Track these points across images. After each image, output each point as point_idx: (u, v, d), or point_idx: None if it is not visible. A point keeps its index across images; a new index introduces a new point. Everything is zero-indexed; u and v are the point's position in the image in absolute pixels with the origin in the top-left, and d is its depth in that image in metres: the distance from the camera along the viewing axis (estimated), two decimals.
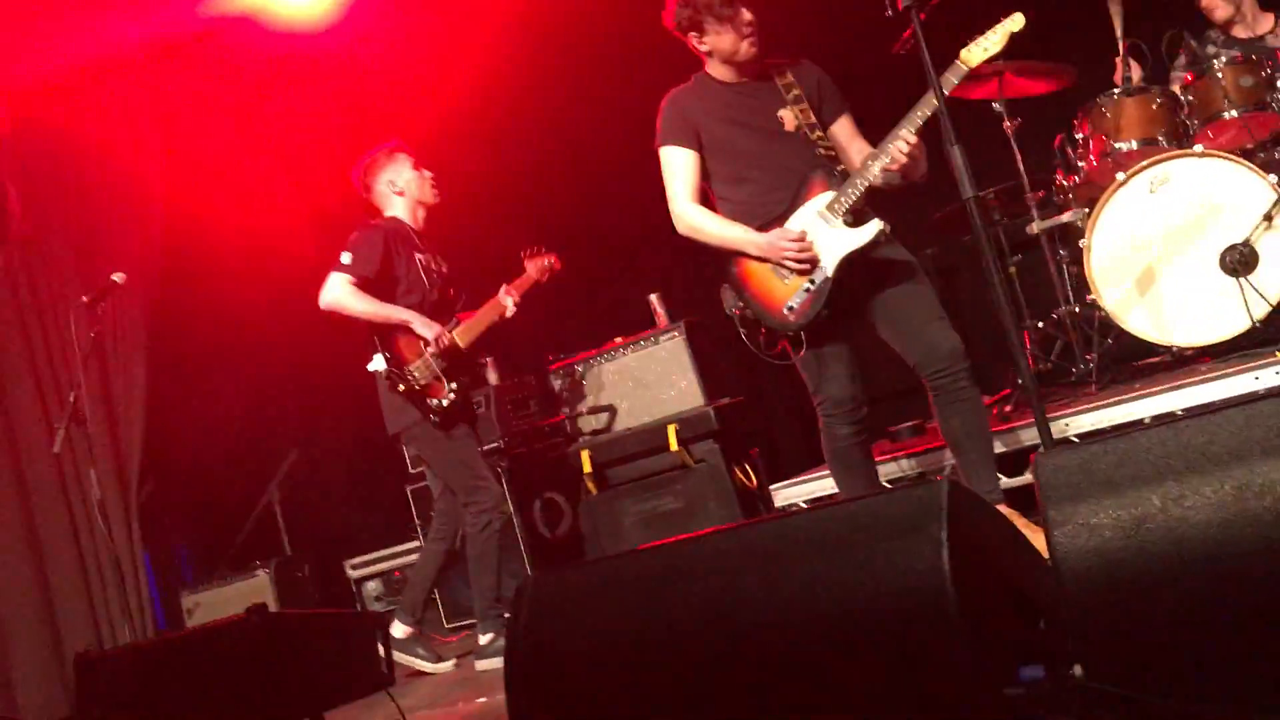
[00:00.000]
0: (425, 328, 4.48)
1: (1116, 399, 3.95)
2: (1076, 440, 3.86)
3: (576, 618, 2.21)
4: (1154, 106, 4.38)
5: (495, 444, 4.87)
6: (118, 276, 4.87)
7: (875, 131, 3.60)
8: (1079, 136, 4.57)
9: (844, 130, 3.70)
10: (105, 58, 6.12)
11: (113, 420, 6.06)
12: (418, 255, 4.63)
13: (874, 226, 3.44)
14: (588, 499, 5.39)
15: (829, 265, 3.47)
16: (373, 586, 6.75)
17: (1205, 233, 4.06)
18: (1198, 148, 4.22)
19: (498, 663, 4.24)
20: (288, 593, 6.22)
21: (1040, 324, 4.93)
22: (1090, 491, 1.85)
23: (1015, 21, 3.38)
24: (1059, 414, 3.97)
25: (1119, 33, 4.55)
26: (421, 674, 4.70)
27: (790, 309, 3.51)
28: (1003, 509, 3.32)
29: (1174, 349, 4.18)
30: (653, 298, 5.66)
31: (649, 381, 5.38)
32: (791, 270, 3.50)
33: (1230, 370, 3.75)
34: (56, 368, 6.05)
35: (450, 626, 5.72)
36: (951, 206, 4.94)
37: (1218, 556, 1.73)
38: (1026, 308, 5.00)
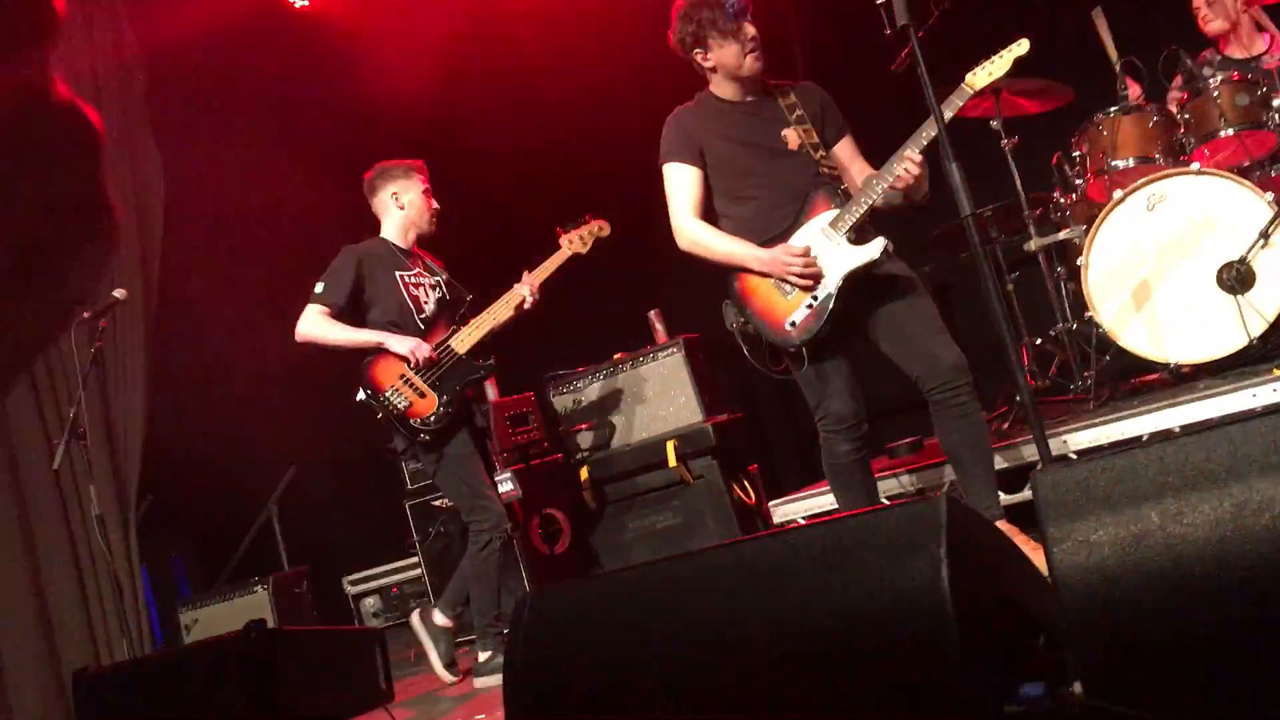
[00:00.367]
0: (399, 344, 4.41)
1: (1114, 416, 3.95)
2: (1075, 457, 3.87)
3: (575, 635, 2.21)
4: (1151, 125, 4.40)
5: (494, 461, 4.85)
6: (119, 292, 4.88)
7: (877, 150, 3.63)
8: (1076, 154, 4.59)
9: (846, 151, 3.73)
10: (106, 66, 6.15)
11: (112, 436, 6.05)
12: (400, 274, 4.56)
13: (878, 244, 3.46)
14: (586, 515, 5.39)
15: (832, 282, 3.49)
16: (371, 602, 6.76)
17: (1202, 250, 4.08)
18: (1195, 166, 4.23)
19: (496, 680, 4.24)
20: (286, 608, 6.22)
21: (1038, 341, 4.94)
22: (1089, 508, 1.85)
23: (1020, 47, 3.41)
24: (1057, 430, 3.98)
25: (1112, 55, 4.57)
26: (418, 682, 4.70)
27: (792, 325, 3.52)
28: (1002, 525, 3.33)
29: (1171, 366, 4.19)
30: (652, 314, 5.67)
31: (648, 397, 5.39)
32: (795, 286, 3.51)
33: (1228, 387, 3.76)
34: (56, 383, 6.04)
35: (457, 641, 5.69)
36: (950, 224, 4.97)
37: (1216, 573, 1.73)
38: (1024, 324, 5.01)
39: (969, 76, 3.44)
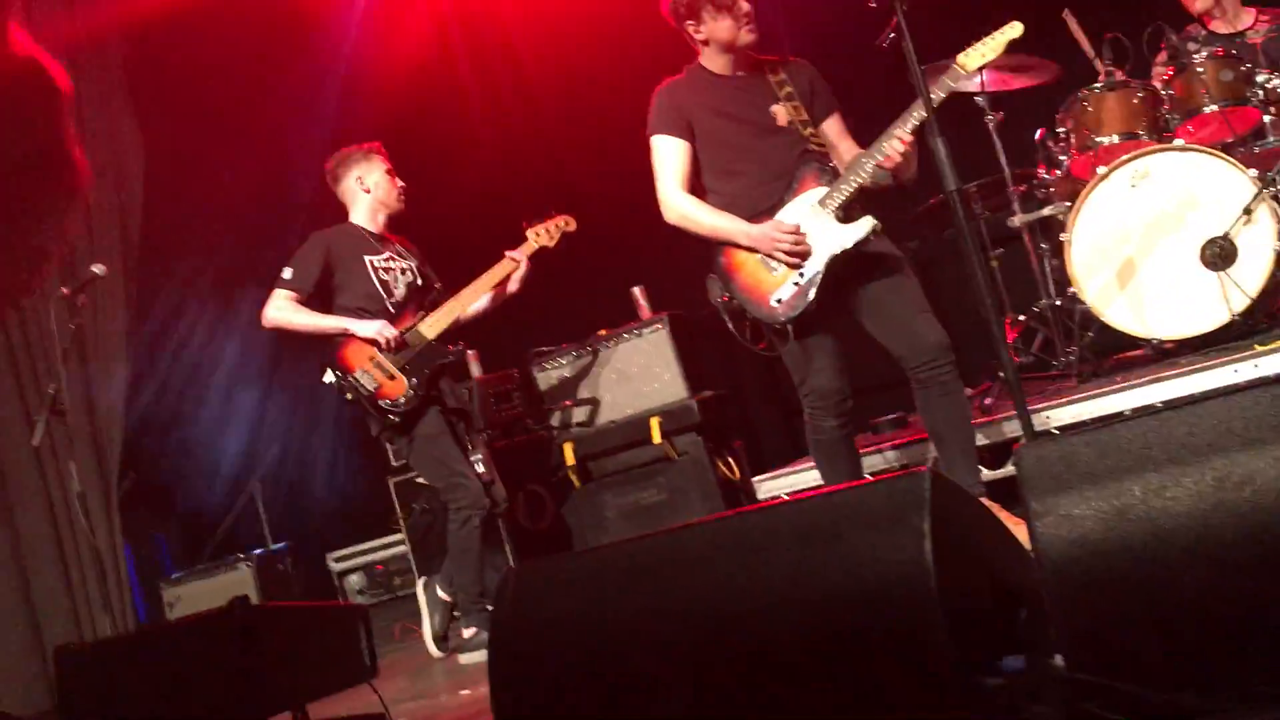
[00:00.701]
0: (365, 328, 4.42)
1: (1098, 391, 3.97)
2: (1058, 432, 3.88)
3: (559, 610, 2.21)
4: (1135, 101, 4.40)
5: (478, 435, 4.85)
6: (98, 268, 4.84)
7: (864, 127, 3.62)
8: (1061, 131, 4.59)
9: (834, 129, 3.71)
10: (86, 39, 6.09)
11: (93, 413, 6.02)
12: (370, 258, 4.56)
13: (866, 223, 3.46)
14: (571, 492, 5.39)
15: (819, 259, 3.48)
16: (355, 579, 6.75)
17: (1185, 226, 4.08)
18: (1178, 142, 4.24)
19: (481, 656, 4.22)
20: (270, 585, 6.21)
21: (1022, 317, 4.95)
22: (1072, 483, 1.86)
23: (1014, 29, 3.39)
24: (1040, 406, 4.00)
25: (1089, 53, 4.56)
26: (403, 659, 4.70)
27: (779, 301, 3.52)
28: (984, 501, 3.34)
29: (1154, 342, 4.20)
30: (636, 290, 5.65)
31: (632, 374, 5.39)
32: (782, 263, 3.50)
33: (1210, 363, 3.78)
34: (36, 360, 6.00)
35: None
36: (934, 199, 4.96)
37: (1198, 547, 1.74)
38: (1008, 300, 5.02)
39: (961, 58, 3.42)
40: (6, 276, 5.89)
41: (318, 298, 4.51)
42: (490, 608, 4.35)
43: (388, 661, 4.68)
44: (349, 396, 4.42)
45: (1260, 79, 4.24)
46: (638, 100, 3.76)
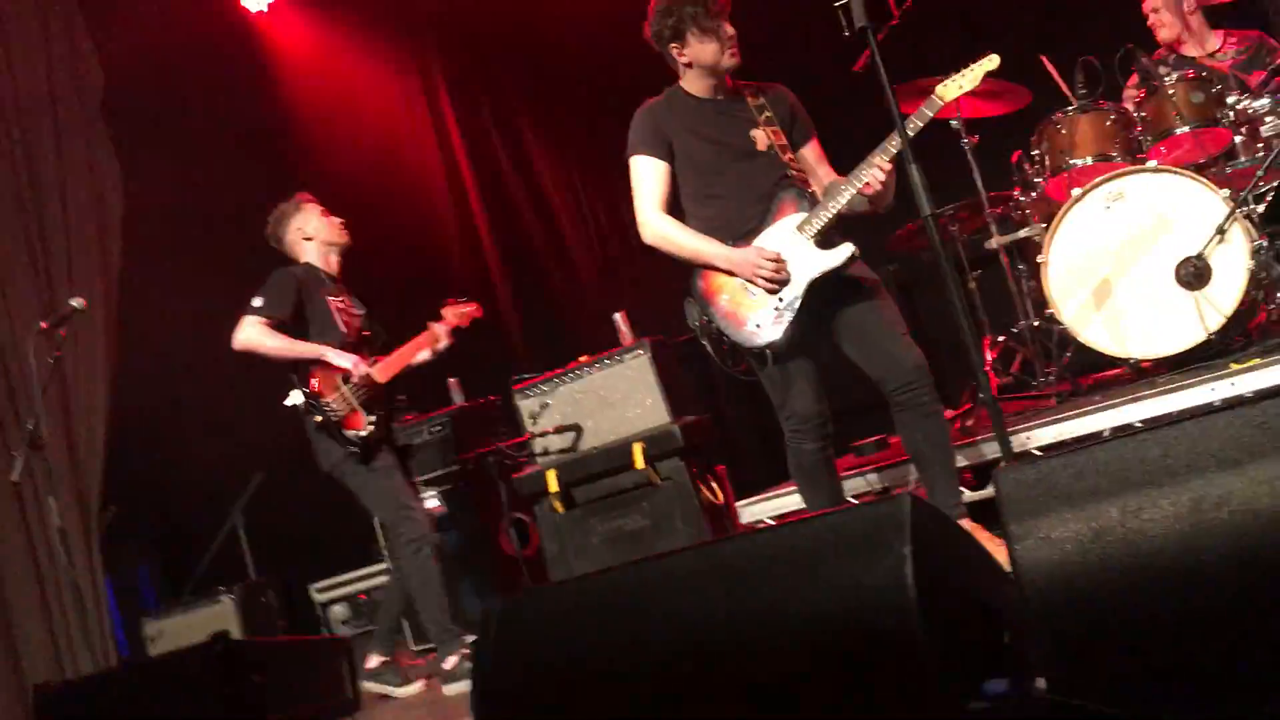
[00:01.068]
0: (341, 359, 4.52)
1: (1076, 412, 3.99)
2: (1038, 453, 3.90)
3: (544, 640, 2.20)
4: (1107, 123, 4.44)
5: (456, 467, 4.87)
6: (77, 301, 4.83)
7: (841, 152, 3.64)
8: (1035, 153, 4.63)
9: (812, 154, 3.74)
10: (61, 70, 6.09)
11: (73, 446, 5.98)
12: (330, 299, 4.69)
13: (845, 250, 3.48)
14: (554, 518, 5.37)
15: (798, 285, 3.50)
16: (339, 610, 6.70)
17: (1160, 247, 4.12)
18: (1151, 163, 4.28)
19: (464, 686, 4.22)
20: (253, 618, 6.16)
21: (1000, 338, 4.98)
22: (1050, 505, 1.87)
23: (991, 62, 3.44)
24: (1019, 427, 4.01)
25: (1066, 92, 4.60)
26: (387, 697, 4.67)
27: (757, 325, 3.53)
28: (965, 523, 3.35)
29: (1132, 361, 4.23)
30: (617, 316, 5.66)
31: (614, 400, 5.38)
32: (761, 288, 3.52)
33: (1186, 383, 3.81)
34: (16, 394, 5.97)
35: (418, 649, 5.67)
36: (912, 223, 4.99)
37: (1175, 568, 1.75)
38: (987, 322, 5.05)
39: (939, 88, 3.45)
40: None
41: (284, 328, 4.56)
42: (463, 634, 4.39)
43: (371, 694, 4.64)
44: (317, 419, 4.47)
45: (1230, 100, 4.29)
46: (617, 122, 3.77)
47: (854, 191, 3.44)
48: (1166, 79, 4.32)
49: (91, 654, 5.27)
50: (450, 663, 4.45)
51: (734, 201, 3.62)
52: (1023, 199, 4.75)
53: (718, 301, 3.60)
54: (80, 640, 5.60)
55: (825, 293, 3.52)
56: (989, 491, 3.88)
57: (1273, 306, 4.19)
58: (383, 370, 4.62)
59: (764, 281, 3.49)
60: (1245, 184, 4.08)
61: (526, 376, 5.62)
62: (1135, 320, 4.18)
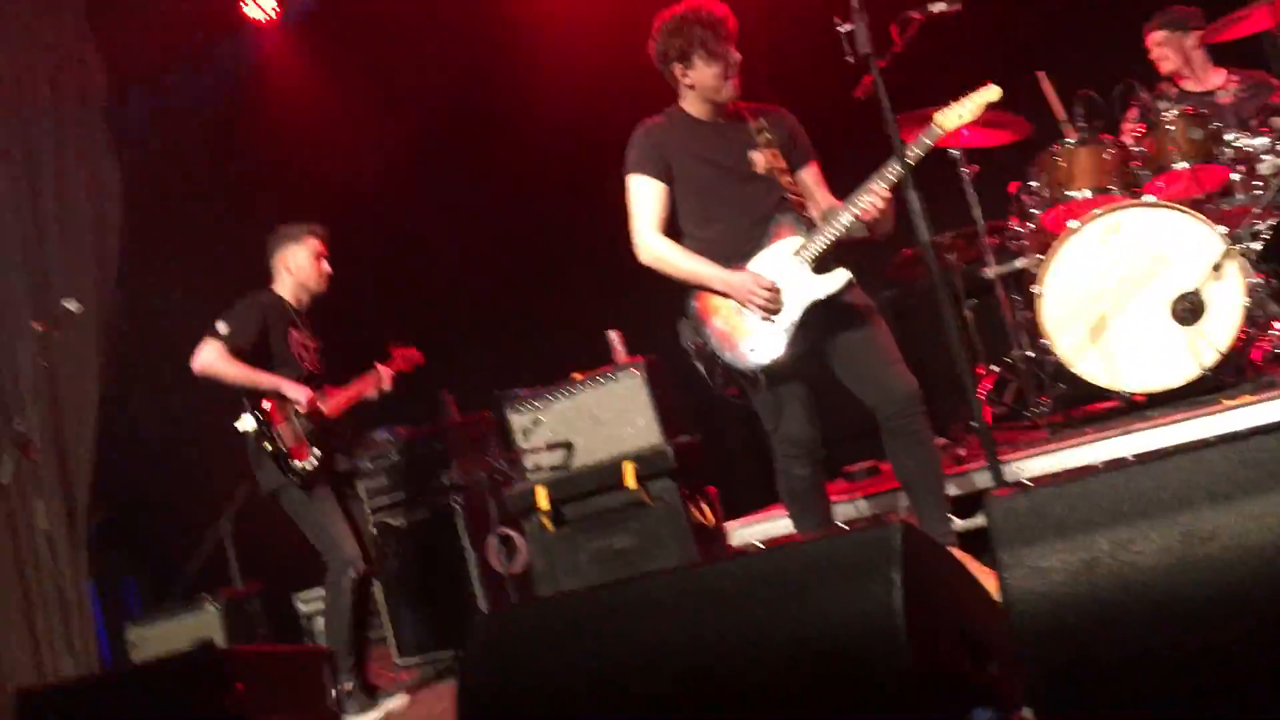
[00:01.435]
0: (295, 392, 4.62)
1: (1069, 443, 3.99)
2: (1029, 483, 3.89)
3: (529, 657, 2.19)
4: (1106, 156, 4.46)
5: (451, 480, 4.87)
6: (71, 305, 4.82)
7: (840, 176, 3.65)
8: (1033, 184, 4.64)
9: (810, 178, 3.75)
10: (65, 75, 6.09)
11: (62, 451, 5.96)
12: (293, 332, 4.77)
13: (841, 276, 3.48)
14: (544, 536, 5.35)
15: (793, 310, 3.50)
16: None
17: (1156, 281, 4.13)
18: (1149, 197, 4.29)
19: (359, 716, 4.48)
20: (237, 627, 6.11)
21: (995, 367, 4.98)
22: (1041, 535, 1.87)
23: (992, 93, 3.44)
24: (1012, 457, 4.01)
25: (1060, 116, 4.62)
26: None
27: (752, 349, 3.53)
28: (954, 551, 3.34)
29: (1125, 395, 4.23)
30: (612, 334, 5.65)
31: (606, 418, 5.37)
32: (755, 313, 3.52)
33: (1179, 417, 3.81)
34: (7, 396, 5.94)
35: (401, 663, 5.64)
36: (909, 249, 5.00)
37: (1165, 601, 1.75)
38: (982, 351, 5.05)
39: (938, 117, 3.46)
40: None
41: (243, 355, 4.62)
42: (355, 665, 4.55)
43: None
44: (266, 445, 4.58)
45: (1229, 138, 4.30)
46: (616, 138, 3.78)
47: (852, 217, 3.45)
48: (1166, 114, 4.34)
49: (74, 660, 5.23)
50: (348, 686, 4.57)
51: (732, 224, 3.62)
52: (1020, 229, 4.76)
53: (712, 323, 3.60)
54: (62, 645, 5.56)
55: (820, 317, 3.52)
56: (977, 521, 3.89)
57: (1267, 343, 4.19)
58: (332, 406, 4.73)
59: (758, 307, 3.50)
60: (1241, 221, 4.10)
61: (519, 392, 5.61)
62: (1130, 354, 4.18)
